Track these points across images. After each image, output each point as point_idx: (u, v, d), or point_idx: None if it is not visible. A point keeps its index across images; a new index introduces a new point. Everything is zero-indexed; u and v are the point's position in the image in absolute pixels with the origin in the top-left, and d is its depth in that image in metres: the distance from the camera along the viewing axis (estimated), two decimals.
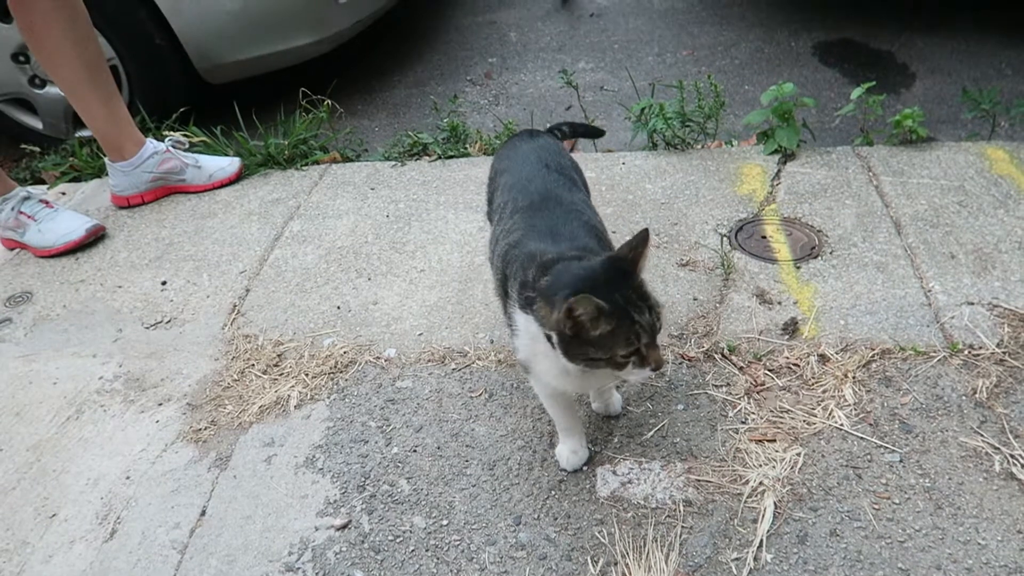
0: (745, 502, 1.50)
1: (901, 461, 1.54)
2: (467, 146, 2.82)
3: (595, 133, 2.12)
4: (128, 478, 1.71)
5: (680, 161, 2.54)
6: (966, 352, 1.74)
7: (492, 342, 1.94)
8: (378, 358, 1.93)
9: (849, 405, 1.66)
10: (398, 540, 1.51)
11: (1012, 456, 1.52)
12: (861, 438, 1.59)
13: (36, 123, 3.24)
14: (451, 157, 2.75)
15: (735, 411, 1.68)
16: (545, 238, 1.39)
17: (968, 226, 2.10)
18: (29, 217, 2.44)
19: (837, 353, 1.78)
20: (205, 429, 1.80)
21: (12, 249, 2.52)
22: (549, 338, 1.26)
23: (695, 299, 1.98)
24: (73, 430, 1.86)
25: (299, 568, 1.48)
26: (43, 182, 2.96)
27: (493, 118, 3.24)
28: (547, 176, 1.58)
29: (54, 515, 1.65)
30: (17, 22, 2.31)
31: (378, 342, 1.98)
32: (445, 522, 1.53)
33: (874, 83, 2.58)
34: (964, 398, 1.64)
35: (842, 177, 2.37)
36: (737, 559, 1.41)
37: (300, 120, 2.92)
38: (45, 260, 2.44)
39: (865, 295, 1.93)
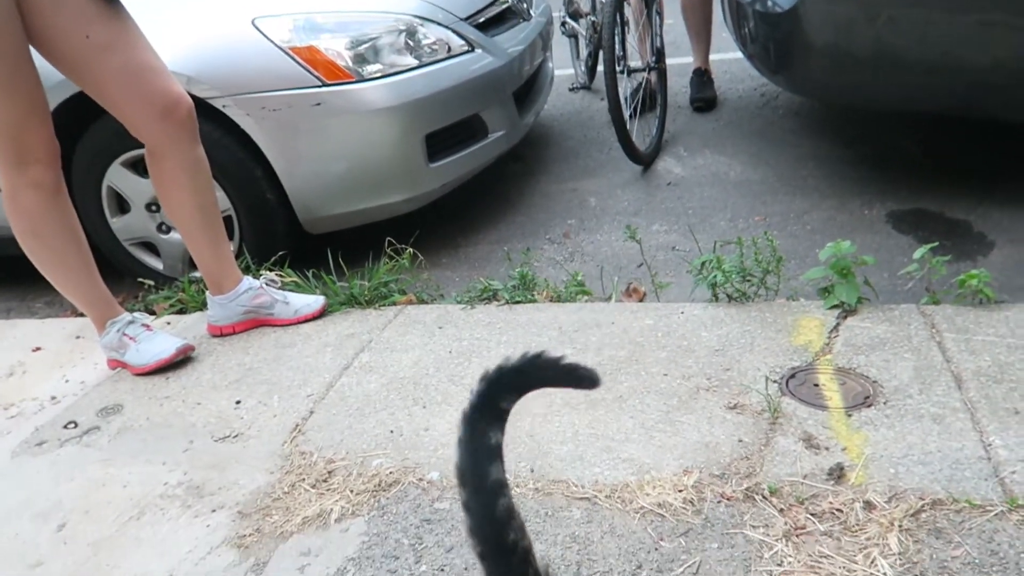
0: None
1: None
2: (535, 294, 2.96)
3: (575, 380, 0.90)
4: None
5: (738, 313, 2.58)
6: None
7: (532, 471, 1.96)
8: (421, 480, 1.98)
9: (894, 554, 1.57)
10: None
11: None
12: None
13: (157, 264, 3.64)
14: (518, 303, 2.90)
15: (771, 553, 1.62)
16: None
17: None
18: (131, 339, 2.70)
19: (885, 501, 1.70)
20: (249, 535, 1.87)
21: (114, 368, 2.77)
22: None
23: (740, 440, 1.96)
24: (132, 530, 1.96)
25: None
26: (154, 313, 3.28)
27: (566, 273, 3.40)
28: None
29: None
30: (151, 176, 2.69)
31: (424, 465, 2.04)
32: None
33: (937, 244, 2.60)
34: (1023, 555, 1.53)
35: (903, 332, 2.34)
36: None
37: (383, 266, 3.16)
38: (139, 377, 2.67)
39: (919, 445, 1.86)
